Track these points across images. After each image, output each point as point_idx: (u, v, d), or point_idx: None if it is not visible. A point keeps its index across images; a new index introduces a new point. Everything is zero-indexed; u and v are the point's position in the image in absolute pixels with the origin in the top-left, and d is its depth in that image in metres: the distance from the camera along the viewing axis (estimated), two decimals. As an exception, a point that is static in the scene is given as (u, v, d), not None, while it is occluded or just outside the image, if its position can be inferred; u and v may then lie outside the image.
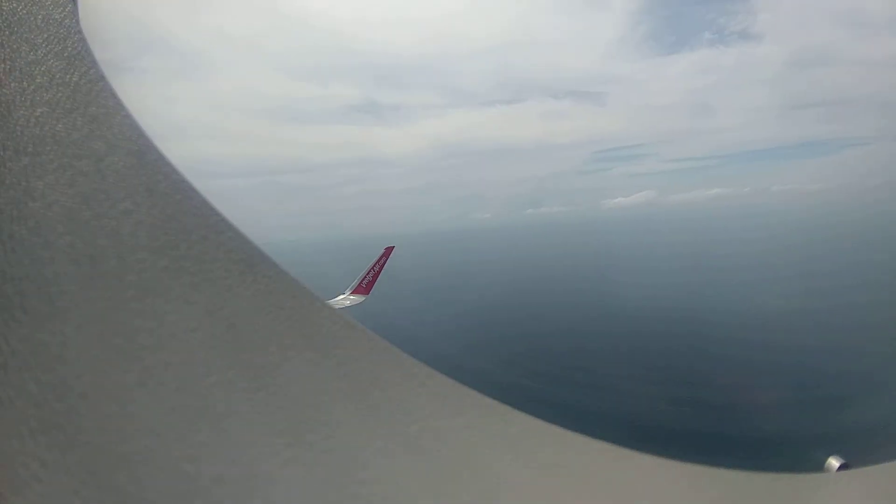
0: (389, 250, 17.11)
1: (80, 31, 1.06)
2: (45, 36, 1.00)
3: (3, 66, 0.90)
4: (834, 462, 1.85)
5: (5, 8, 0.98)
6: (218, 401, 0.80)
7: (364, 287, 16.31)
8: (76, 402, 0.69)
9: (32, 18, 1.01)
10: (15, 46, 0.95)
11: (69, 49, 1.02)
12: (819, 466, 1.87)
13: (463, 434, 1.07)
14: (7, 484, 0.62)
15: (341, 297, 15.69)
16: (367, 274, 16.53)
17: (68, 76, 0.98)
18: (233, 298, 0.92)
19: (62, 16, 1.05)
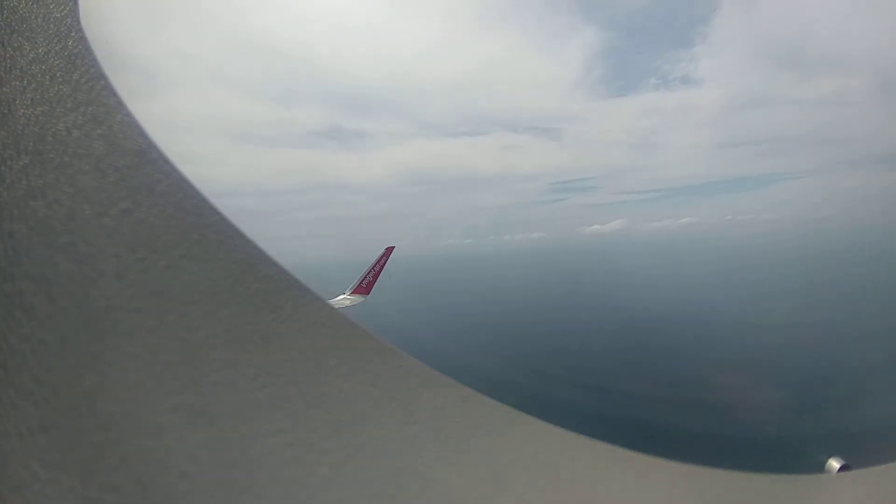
0: (390, 250, 17.10)
1: (80, 30, 1.06)
2: (46, 34, 0.99)
3: (3, 64, 0.90)
4: (834, 463, 1.85)
5: (6, 6, 0.98)
6: (218, 401, 0.79)
7: (364, 287, 16.30)
8: (76, 402, 0.69)
9: (33, 17, 1.00)
10: (15, 45, 0.95)
11: (69, 47, 1.01)
12: (819, 467, 1.87)
13: (463, 434, 1.07)
14: (7, 483, 0.62)
15: (341, 297, 15.69)
16: (368, 274, 16.52)
17: (68, 75, 0.98)
18: (233, 298, 0.92)
19: (62, 14, 1.04)
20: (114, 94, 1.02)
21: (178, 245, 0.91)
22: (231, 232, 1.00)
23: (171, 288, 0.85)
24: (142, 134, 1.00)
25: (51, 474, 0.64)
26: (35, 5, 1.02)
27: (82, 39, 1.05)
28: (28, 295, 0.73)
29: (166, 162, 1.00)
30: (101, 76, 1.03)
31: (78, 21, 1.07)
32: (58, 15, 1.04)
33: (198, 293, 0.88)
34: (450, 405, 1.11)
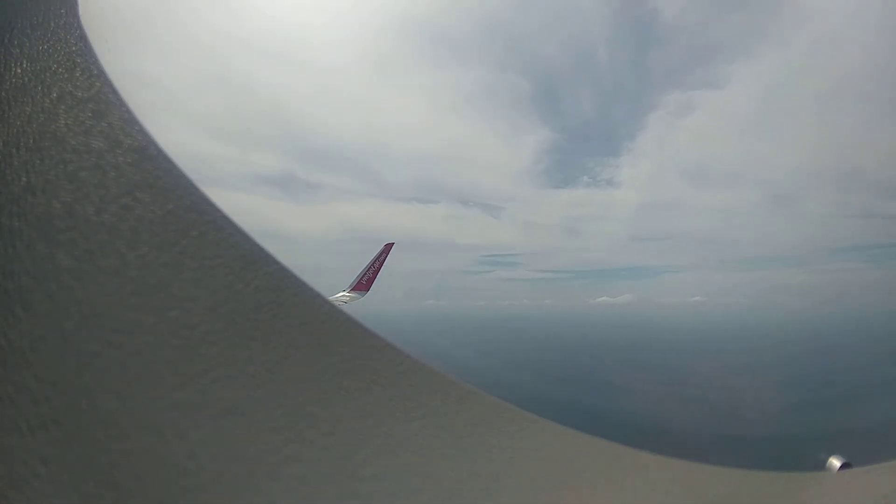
0: (389, 246, 17.08)
1: (80, 27, 1.05)
2: (46, 31, 0.99)
3: (4, 61, 0.90)
4: (835, 461, 1.85)
5: (5, 4, 0.97)
6: (218, 397, 0.79)
7: (364, 284, 16.30)
8: (76, 399, 0.69)
9: (33, 14, 1.00)
10: (15, 42, 0.94)
11: (69, 44, 1.01)
12: (820, 465, 1.87)
13: (463, 431, 1.07)
14: (6, 480, 0.62)
15: (341, 293, 15.69)
16: (367, 271, 16.52)
17: (69, 72, 0.97)
18: (234, 295, 0.92)
19: (62, 11, 1.04)
20: (113, 90, 1.02)
21: (178, 242, 0.90)
22: (231, 229, 1.00)
23: (171, 285, 0.85)
24: (141, 131, 1.00)
25: (51, 471, 0.64)
26: (35, 4, 1.01)
27: (82, 37, 1.04)
28: (28, 291, 0.73)
29: (166, 159, 1.00)
30: (101, 73, 1.02)
31: (78, 18, 1.06)
32: (57, 12, 1.04)
33: (198, 290, 0.88)
34: (450, 402, 1.11)
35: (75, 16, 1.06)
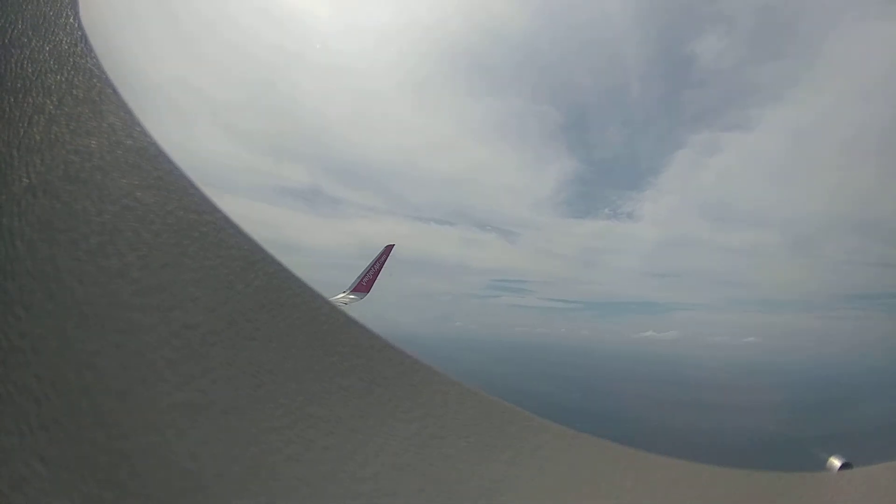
0: (389, 248, 17.07)
1: (81, 29, 1.06)
2: (47, 33, 0.99)
3: (5, 62, 0.90)
4: (835, 461, 1.84)
5: (8, 6, 0.98)
6: (219, 397, 0.79)
7: (364, 285, 16.27)
8: (77, 398, 0.69)
9: (33, 15, 1.00)
10: (16, 42, 0.94)
11: (70, 45, 1.01)
12: (821, 466, 1.86)
13: (463, 431, 1.07)
14: (7, 481, 0.62)
15: (341, 294, 15.67)
16: (368, 272, 16.49)
17: (70, 73, 0.98)
18: (234, 295, 0.92)
19: (63, 13, 1.04)
20: (115, 92, 1.02)
21: (179, 242, 0.90)
22: (231, 229, 1.00)
23: (172, 285, 0.85)
24: (142, 131, 1.00)
25: (52, 471, 0.64)
26: (36, 5, 1.02)
27: (83, 38, 1.05)
28: (28, 292, 0.73)
29: (167, 160, 1.00)
30: (102, 74, 1.03)
31: (79, 20, 1.07)
32: (58, 14, 1.04)
33: (199, 290, 0.88)
34: (450, 402, 1.11)
35: (76, 17, 1.07)
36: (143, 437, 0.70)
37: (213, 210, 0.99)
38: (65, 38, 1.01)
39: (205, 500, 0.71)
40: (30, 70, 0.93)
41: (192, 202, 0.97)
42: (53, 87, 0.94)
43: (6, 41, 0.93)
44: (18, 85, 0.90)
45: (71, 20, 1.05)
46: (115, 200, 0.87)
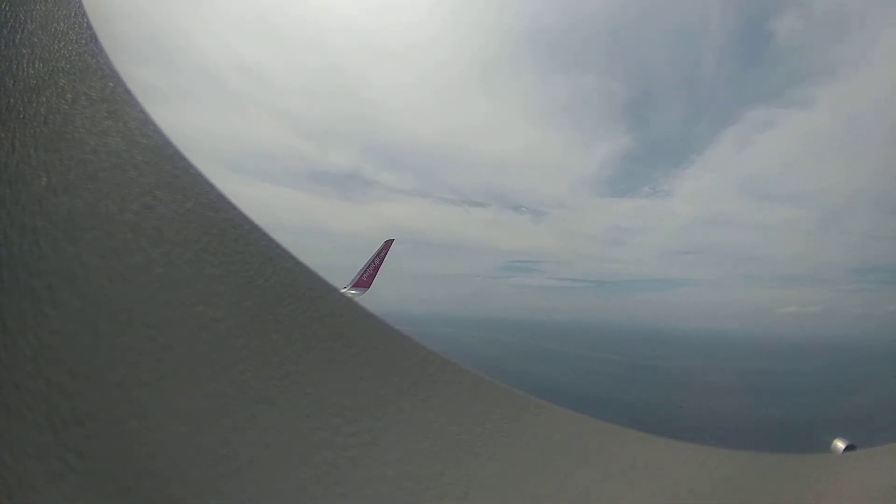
0: (389, 243, 17.09)
1: (90, 27, 1.06)
2: (56, 32, 1.00)
3: (19, 63, 0.90)
4: (840, 443, 1.88)
5: (17, 6, 0.98)
6: (249, 387, 0.81)
7: (364, 281, 16.32)
8: (111, 392, 0.71)
9: (42, 15, 1.01)
10: (26, 42, 0.95)
11: (80, 45, 1.02)
12: (825, 447, 1.89)
13: (478, 418, 1.10)
14: (42, 476, 0.63)
15: (342, 290, 15.67)
16: (368, 267, 16.53)
17: (81, 73, 0.98)
18: (255, 290, 0.94)
19: (71, 12, 1.05)
20: (126, 91, 1.03)
21: (200, 239, 0.92)
22: (248, 226, 1.02)
23: (196, 281, 0.87)
24: (157, 130, 1.01)
25: (87, 465, 0.66)
26: (45, 4, 1.02)
27: (93, 38, 1.05)
28: (56, 290, 0.75)
29: (182, 158, 1.01)
30: (114, 74, 1.03)
31: (87, 19, 1.07)
32: (66, 13, 1.04)
33: (221, 285, 0.89)
34: (465, 391, 1.14)
35: (83, 16, 1.07)
36: (178, 427, 0.72)
37: (230, 207, 1.01)
38: (74, 39, 1.02)
39: (240, 483, 0.73)
40: (41, 70, 0.93)
41: (210, 200, 0.98)
42: (66, 87, 0.95)
43: (15, 41, 0.93)
44: (30, 85, 0.91)
45: (80, 19, 1.05)
46: (136, 199, 0.88)
